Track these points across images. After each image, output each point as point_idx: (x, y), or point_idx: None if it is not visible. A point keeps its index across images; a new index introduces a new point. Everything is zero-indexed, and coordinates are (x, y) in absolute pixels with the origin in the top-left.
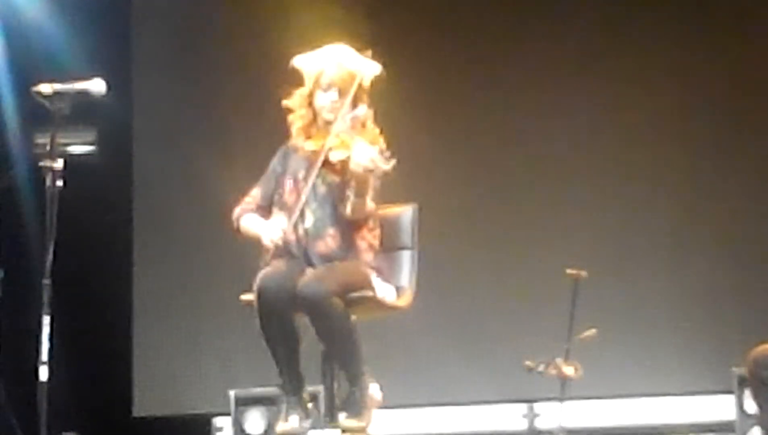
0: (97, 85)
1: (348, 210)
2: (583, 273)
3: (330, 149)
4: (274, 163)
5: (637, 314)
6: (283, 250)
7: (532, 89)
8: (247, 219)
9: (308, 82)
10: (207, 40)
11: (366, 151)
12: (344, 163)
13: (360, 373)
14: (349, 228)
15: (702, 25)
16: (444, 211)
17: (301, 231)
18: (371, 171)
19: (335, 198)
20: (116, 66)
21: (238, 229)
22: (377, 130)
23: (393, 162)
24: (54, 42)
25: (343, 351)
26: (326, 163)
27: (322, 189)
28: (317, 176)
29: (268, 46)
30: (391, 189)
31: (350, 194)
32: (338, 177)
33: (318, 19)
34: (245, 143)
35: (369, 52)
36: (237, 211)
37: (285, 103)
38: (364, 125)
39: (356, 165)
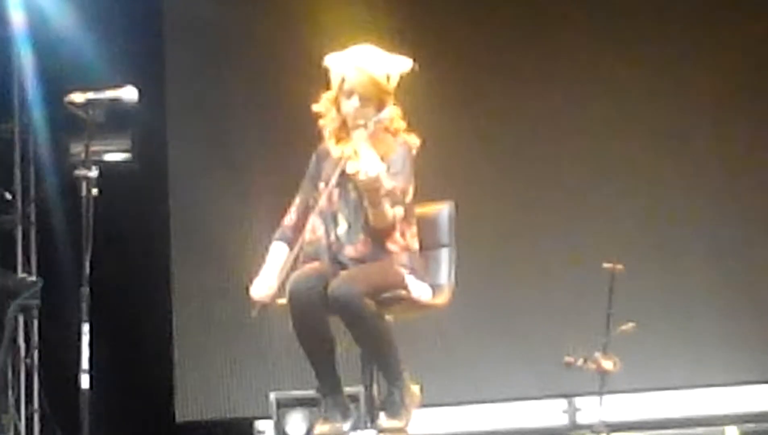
0: (129, 93)
1: (370, 220)
2: (620, 266)
3: (348, 158)
4: (310, 169)
5: (675, 306)
6: (314, 254)
7: (567, 82)
8: (273, 249)
9: (333, 87)
10: (238, 47)
11: (371, 163)
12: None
13: (397, 373)
14: (381, 233)
15: (735, 15)
16: (480, 208)
17: (332, 237)
18: (376, 180)
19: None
20: (149, 73)
21: None
22: (396, 141)
23: (396, 183)
24: (86, 51)
25: (378, 352)
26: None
27: (353, 195)
28: (348, 182)
29: (300, 50)
30: (428, 187)
31: (366, 205)
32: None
33: (349, 22)
34: (280, 147)
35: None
36: (278, 231)
37: (314, 108)
38: (387, 129)
39: (361, 175)
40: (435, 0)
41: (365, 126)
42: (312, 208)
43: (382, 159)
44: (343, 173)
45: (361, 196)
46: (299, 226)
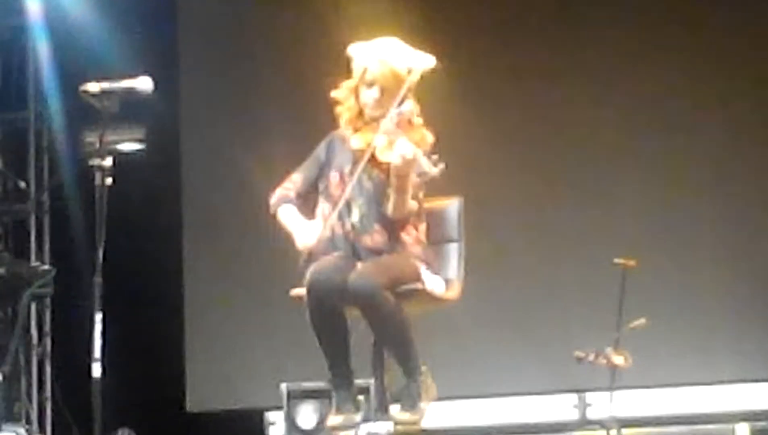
0: (144, 83)
1: (389, 209)
2: (632, 262)
3: (375, 148)
4: (319, 150)
5: (687, 302)
6: (330, 245)
7: (578, 78)
8: (285, 211)
9: (354, 76)
10: (253, 38)
11: (407, 147)
12: (390, 162)
13: (416, 366)
14: (395, 224)
15: (749, 12)
16: (491, 202)
17: (348, 226)
18: (411, 166)
19: (380, 195)
20: (163, 64)
21: (274, 216)
22: (424, 131)
23: (441, 166)
24: (101, 41)
25: (398, 344)
26: (373, 160)
27: (368, 185)
28: (363, 172)
29: (314, 43)
30: (437, 181)
31: (390, 192)
32: (384, 175)
33: (366, 15)
34: (292, 140)
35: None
36: (275, 196)
37: (333, 94)
38: (410, 122)
39: (397, 159)
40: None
41: (389, 117)
42: (321, 193)
43: (417, 146)
44: (370, 160)
45: (380, 185)
46: (301, 197)
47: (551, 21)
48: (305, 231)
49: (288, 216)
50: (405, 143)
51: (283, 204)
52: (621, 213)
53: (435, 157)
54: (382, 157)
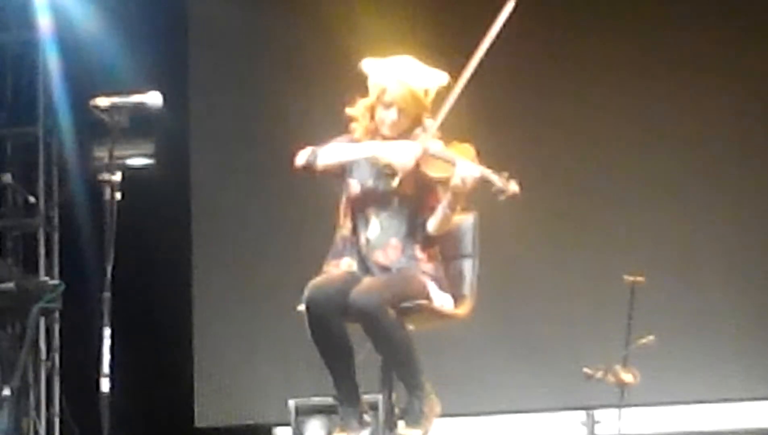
0: (153, 98)
1: (433, 226)
2: (640, 279)
3: (420, 166)
4: (342, 140)
5: (695, 319)
6: (341, 253)
7: (593, 94)
8: (333, 147)
9: (371, 94)
10: (262, 52)
11: (469, 167)
12: (443, 180)
13: (418, 382)
14: (411, 240)
15: (762, 28)
16: (501, 218)
17: (363, 239)
18: (474, 185)
19: (407, 211)
20: (173, 79)
21: (310, 166)
22: (469, 146)
23: (514, 183)
24: (111, 56)
25: (398, 361)
26: (417, 175)
27: (394, 201)
28: (388, 187)
29: (325, 58)
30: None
31: (440, 209)
32: (419, 190)
33: (380, 30)
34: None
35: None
36: (308, 149)
37: (348, 111)
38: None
39: (463, 179)
40: (464, 9)
41: (427, 134)
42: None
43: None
44: (407, 176)
45: (406, 200)
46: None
47: (571, 39)
48: (401, 149)
49: (342, 148)
50: (465, 164)
51: (325, 145)
52: (630, 230)
53: (505, 173)
54: (434, 173)
